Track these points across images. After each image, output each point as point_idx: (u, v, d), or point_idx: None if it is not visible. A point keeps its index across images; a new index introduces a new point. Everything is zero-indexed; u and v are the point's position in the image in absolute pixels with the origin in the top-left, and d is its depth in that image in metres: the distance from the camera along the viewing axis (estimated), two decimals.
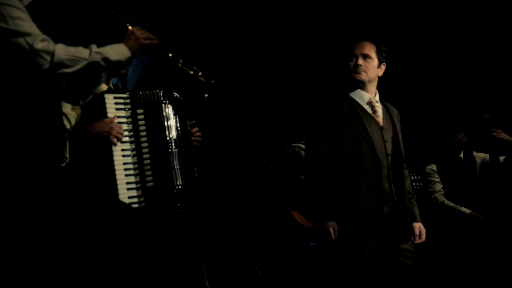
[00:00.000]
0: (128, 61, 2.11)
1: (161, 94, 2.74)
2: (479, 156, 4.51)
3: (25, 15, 2.00)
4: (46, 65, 1.94)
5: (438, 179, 4.51)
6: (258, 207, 4.74)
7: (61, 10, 2.32)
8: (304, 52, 5.18)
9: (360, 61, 2.91)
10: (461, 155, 4.53)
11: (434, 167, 4.57)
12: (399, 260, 2.82)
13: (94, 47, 2.06)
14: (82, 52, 2.01)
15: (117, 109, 2.63)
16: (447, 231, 4.39)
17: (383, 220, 2.80)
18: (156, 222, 2.70)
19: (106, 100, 2.59)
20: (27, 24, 1.97)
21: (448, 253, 4.32)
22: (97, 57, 2.02)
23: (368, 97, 2.96)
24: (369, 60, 2.93)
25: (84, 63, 2.00)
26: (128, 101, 2.66)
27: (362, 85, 2.95)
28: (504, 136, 4.00)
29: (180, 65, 2.14)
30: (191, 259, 3.02)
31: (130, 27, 2.15)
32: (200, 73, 2.16)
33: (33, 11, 2.12)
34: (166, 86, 2.82)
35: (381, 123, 2.94)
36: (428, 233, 3.01)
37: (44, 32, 2.15)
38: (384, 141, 2.90)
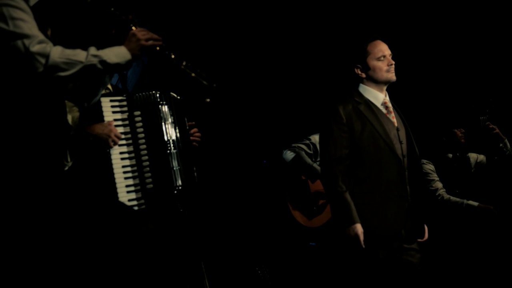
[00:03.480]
0: (128, 63, 2.07)
1: (158, 95, 2.73)
2: (472, 156, 4.51)
3: (26, 16, 1.98)
4: (41, 68, 1.91)
5: (438, 178, 4.50)
6: (258, 207, 4.74)
7: (67, 10, 2.30)
8: (303, 52, 5.18)
9: (391, 60, 2.88)
10: (457, 154, 4.53)
11: (432, 166, 4.57)
12: (406, 259, 2.80)
13: (92, 50, 2.02)
14: (78, 55, 1.97)
15: (113, 112, 2.62)
16: (453, 228, 4.38)
17: (403, 222, 2.79)
18: (154, 223, 2.70)
19: (103, 104, 2.58)
20: (27, 26, 1.95)
21: (454, 251, 4.31)
22: (94, 60, 1.98)
23: (382, 97, 2.92)
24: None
25: (79, 66, 1.96)
26: (124, 103, 2.65)
27: (383, 86, 2.92)
28: (499, 132, 3.99)
29: (182, 67, 2.09)
30: (191, 259, 3.02)
31: (133, 28, 2.10)
32: (203, 75, 2.13)
33: (40, 11, 2.11)
34: (165, 87, 2.82)
35: (395, 124, 2.91)
36: (434, 231, 3.00)
37: (51, 32, 2.14)
38: (400, 142, 2.87)
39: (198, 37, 4.93)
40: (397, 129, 2.90)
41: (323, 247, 4.09)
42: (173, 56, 2.09)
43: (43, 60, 1.91)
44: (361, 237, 2.68)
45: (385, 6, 4.93)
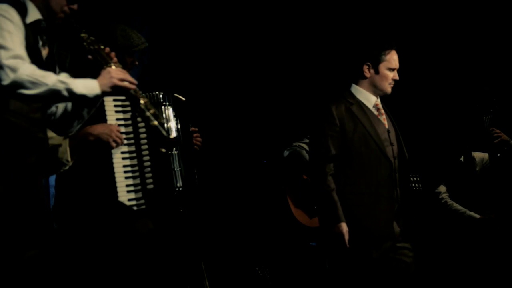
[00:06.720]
0: (96, 98, 2.08)
1: (161, 96, 2.75)
2: (478, 156, 4.50)
3: (15, 30, 2.01)
4: (6, 81, 1.94)
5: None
6: (258, 208, 4.74)
7: (60, 35, 2.31)
8: (303, 52, 5.18)
9: (397, 76, 2.92)
10: (462, 158, 4.51)
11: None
12: (400, 258, 2.84)
13: (62, 76, 2.06)
14: (47, 78, 1.99)
15: (116, 111, 2.63)
16: (453, 231, 4.37)
17: (393, 223, 2.83)
18: (155, 223, 2.71)
19: (106, 103, 2.59)
20: (11, 38, 1.98)
21: (452, 253, 4.30)
22: (61, 86, 2.00)
23: (375, 99, 2.95)
24: None
25: (44, 88, 1.97)
26: (127, 103, 2.67)
27: (379, 92, 2.95)
28: (504, 137, 3.99)
29: (148, 114, 2.08)
30: (191, 259, 3.03)
31: (113, 66, 2.12)
32: (163, 128, 2.10)
33: (37, 29, 2.13)
34: (169, 88, 2.83)
35: (386, 125, 2.94)
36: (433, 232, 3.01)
37: (48, 52, 2.16)
38: (391, 144, 2.91)
39: (198, 38, 4.94)
40: (388, 131, 2.93)
41: (323, 247, 4.10)
42: (142, 102, 2.10)
43: (11, 74, 1.93)
44: (346, 236, 2.72)
45: (387, 5, 4.94)
